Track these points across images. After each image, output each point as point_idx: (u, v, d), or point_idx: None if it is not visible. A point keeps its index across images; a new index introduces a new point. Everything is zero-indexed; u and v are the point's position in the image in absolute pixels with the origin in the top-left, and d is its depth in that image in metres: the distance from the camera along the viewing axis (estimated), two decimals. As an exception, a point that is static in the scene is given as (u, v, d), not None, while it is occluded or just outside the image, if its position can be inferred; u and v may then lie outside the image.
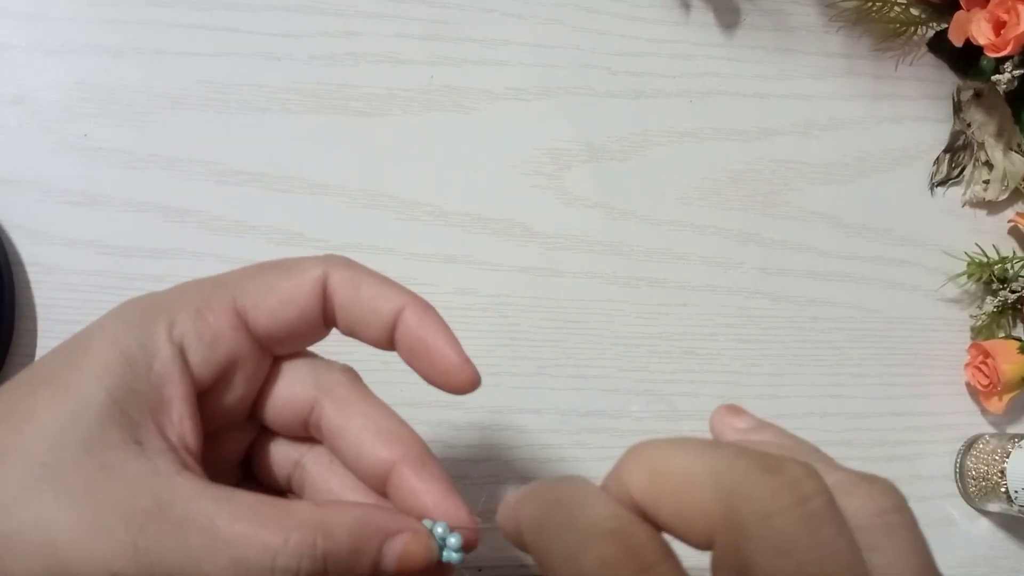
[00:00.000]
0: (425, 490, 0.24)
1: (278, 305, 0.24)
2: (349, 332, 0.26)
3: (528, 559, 0.39)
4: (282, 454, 0.27)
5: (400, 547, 0.22)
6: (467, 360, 0.25)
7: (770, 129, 0.47)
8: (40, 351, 0.37)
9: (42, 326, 0.37)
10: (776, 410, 0.44)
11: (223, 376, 0.24)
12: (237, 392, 0.24)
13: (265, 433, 0.27)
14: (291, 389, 0.25)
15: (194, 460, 0.23)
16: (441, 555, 0.24)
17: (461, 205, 0.42)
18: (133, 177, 0.39)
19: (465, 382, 0.25)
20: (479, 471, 0.40)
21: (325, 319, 0.25)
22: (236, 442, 0.26)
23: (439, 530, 0.24)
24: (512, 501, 0.20)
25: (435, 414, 0.39)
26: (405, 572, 0.23)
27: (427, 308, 0.25)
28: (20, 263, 0.37)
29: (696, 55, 0.47)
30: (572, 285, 0.43)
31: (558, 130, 0.44)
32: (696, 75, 0.47)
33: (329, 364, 0.26)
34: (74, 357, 0.22)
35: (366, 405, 0.25)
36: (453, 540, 0.24)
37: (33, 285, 0.37)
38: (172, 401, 0.22)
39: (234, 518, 0.21)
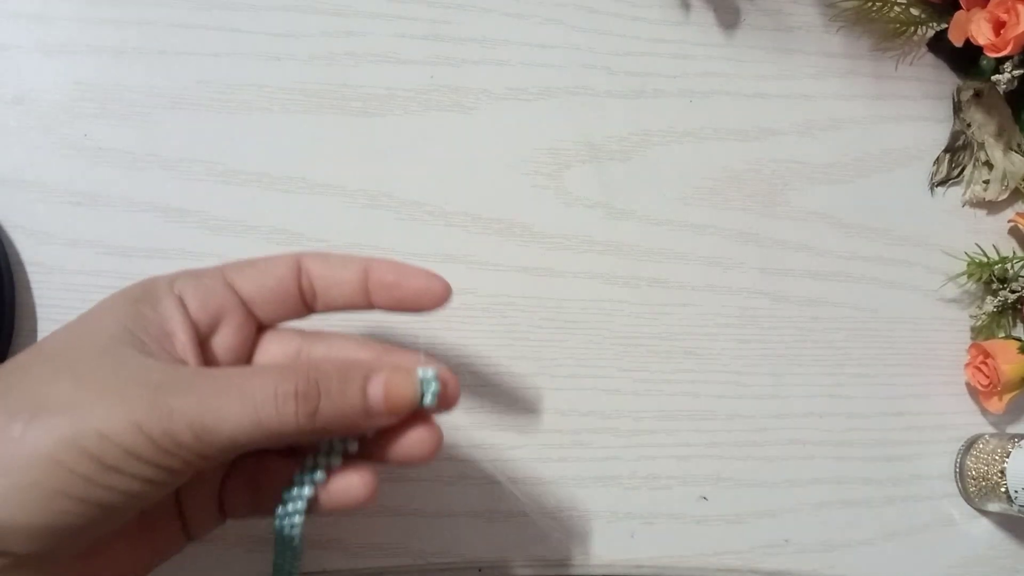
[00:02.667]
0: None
1: (258, 274, 0.29)
2: (327, 303, 0.30)
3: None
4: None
5: (383, 381, 0.26)
6: (433, 273, 0.29)
7: (770, 129, 0.47)
8: (40, 351, 0.37)
9: (42, 326, 0.37)
10: (776, 410, 0.44)
11: (217, 323, 0.28)
12: (229, 340, 0.29)
13: (239, 469, 0.29)
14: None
15: None
16: (423, 398, 0.27)
17: (461, 205, 0.42)
18: (133, 177, 0.39)
19: (440, 289, 0.29)
20: (479, 471, 0.40)
21: (302, 295, 0.30)
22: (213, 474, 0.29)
23: (421, 372, 0.27)
24: None
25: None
26: (394, 410, 0.26)
27: (389, 259, 0.30)
28: (20, 263, 0.37)
29: (696, 55, 0.47)
30: (572, 285, 0.43)
31: (558, 130, 0.44)
32: (696, 75, 0.47)
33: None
34: (88, 309, 0.27)
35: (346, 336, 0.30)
36: (431, 372, 0.27)
37: (33, 285, 0.37)
38: (176, 333, 0.27)
39: (238, 371, 0.25)
